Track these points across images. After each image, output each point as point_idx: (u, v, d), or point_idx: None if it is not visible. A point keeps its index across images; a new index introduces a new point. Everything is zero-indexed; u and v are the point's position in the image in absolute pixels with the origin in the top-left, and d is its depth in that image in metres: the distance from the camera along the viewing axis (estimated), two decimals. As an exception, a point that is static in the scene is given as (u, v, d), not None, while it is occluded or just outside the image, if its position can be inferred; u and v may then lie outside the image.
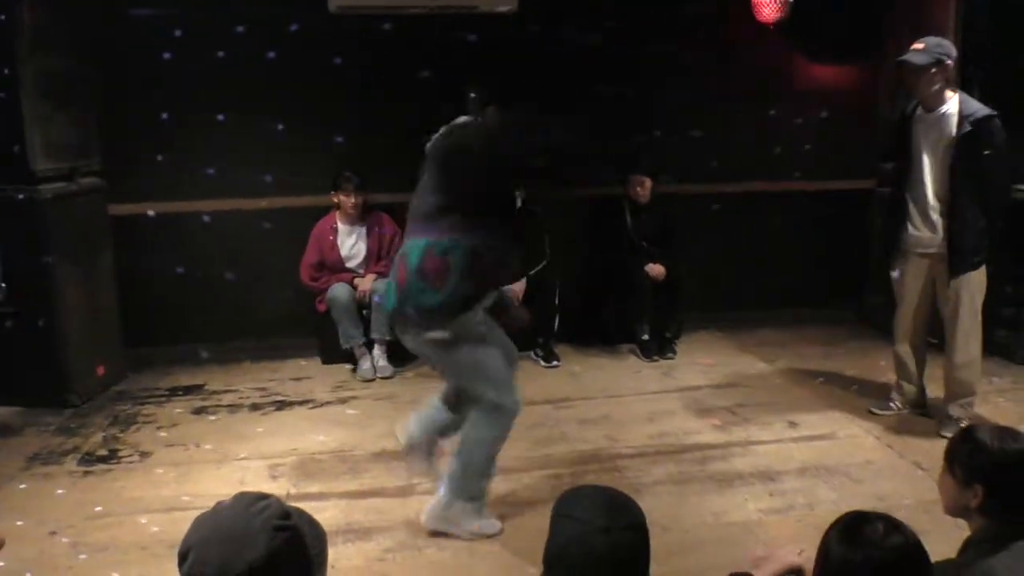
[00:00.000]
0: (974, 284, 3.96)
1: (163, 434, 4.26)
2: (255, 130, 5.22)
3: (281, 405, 4.64)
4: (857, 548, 1.58)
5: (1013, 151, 3.90)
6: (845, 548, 1.60)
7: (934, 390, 4.36)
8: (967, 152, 3.79)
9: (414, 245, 2.96)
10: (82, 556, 3.12)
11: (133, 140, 5.07)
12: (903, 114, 4.07)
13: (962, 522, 2.05)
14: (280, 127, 5.23)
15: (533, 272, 5.16)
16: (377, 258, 5.15)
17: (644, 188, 5.37)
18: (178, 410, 4.58)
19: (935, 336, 4.37)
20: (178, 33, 5.01)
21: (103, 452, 4.05)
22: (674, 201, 5.60)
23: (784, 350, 5.46)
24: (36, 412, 4.52)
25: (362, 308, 5.06)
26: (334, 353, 5.16)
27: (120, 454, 4.02)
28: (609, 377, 5.06)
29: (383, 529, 3.29)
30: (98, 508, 3.47)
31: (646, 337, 5.39)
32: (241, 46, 5.09)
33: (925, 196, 3.97)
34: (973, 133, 3.77)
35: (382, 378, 5.00)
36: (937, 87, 3.85)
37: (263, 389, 4.88)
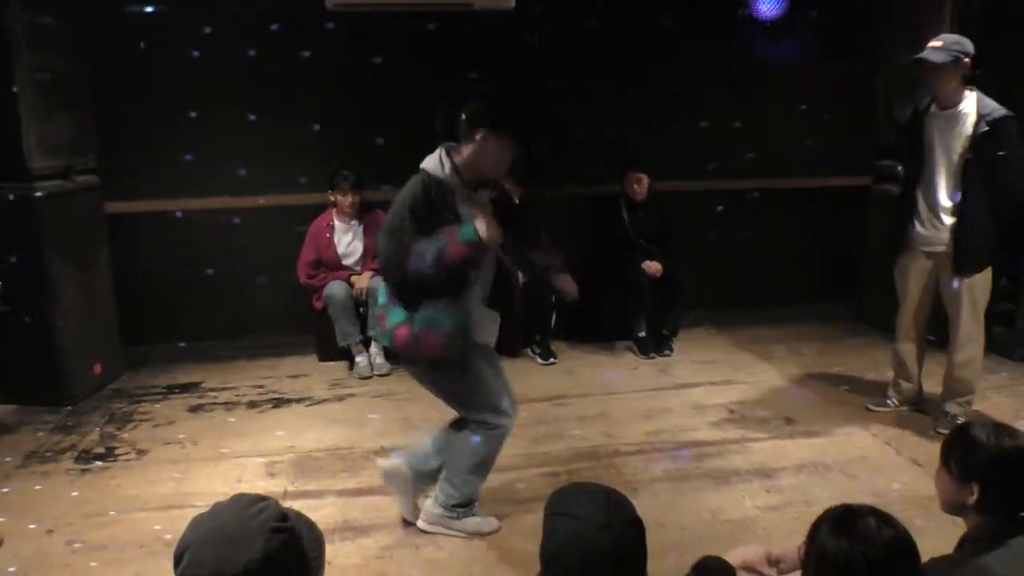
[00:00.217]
0: (979, 285, 3.95)
1: (160, 432, 4.25)
2: (251, 128, 5.22)
3: (278, 403, 4.64)
4: (853, 542, 1.58)
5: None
6: (840, 542, 1.60)
7: (931, 387, 4.37)
8: (982, 152, 3.76)
9: (395, 310, 2.96)
10: (79, 554, 3.12)
11: (129, 138, 5.07)
12: (916, 111, 4.03)
13: (958, 519, 2.06)
14: (277, 124, 5.23)
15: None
16: (374, 256, 5.14)
17: (641, 185, 5.37)
18: (175, 408, 4.58)
19: (933, 334, 4.38)
20: (174, 31, 5.02)
21: (100, 450, 4.04)
22: (671, 198, 5.60)
23: (781, 347, 5.47)
24: (33, 410, 4.51)
25: (359, 306, 5.06)
26: (331, 350, 5.16)
27: (117, 452, 4.02)
28: (606, 374, 5.06)
29: (381, 527, 3.29)
30: (95, 506, 3.47)
31: (643, 334, 5.40)
32: (238, 44, 5.09)
33: (936, 194, 3.94)
34: (990, 133, 3.73)
35: (379, 375, 5.01)
36: (954, 85, 3.81)
37: (260, 387, 4.88)
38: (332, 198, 5.12)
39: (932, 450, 3.81)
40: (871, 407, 4.40)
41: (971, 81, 3.86)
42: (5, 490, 3.65)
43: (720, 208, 5.93)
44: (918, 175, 4.01)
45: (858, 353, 5.33)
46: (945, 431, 3.97)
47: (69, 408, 4.55)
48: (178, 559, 1.28)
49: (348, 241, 5.16)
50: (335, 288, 4.98)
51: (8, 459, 3.94)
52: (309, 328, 5.32)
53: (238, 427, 4.31)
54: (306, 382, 4.96)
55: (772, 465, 3.78)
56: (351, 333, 5.04)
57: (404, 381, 4.93)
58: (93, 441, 4.15)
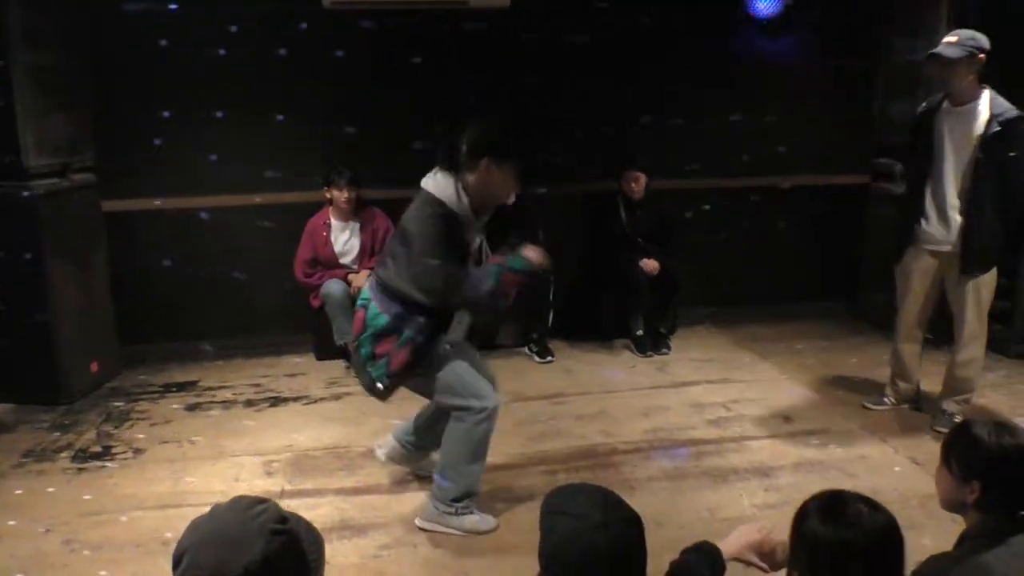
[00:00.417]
0: (984, 285, 3.94)
1: (157, 431, 4.25)
2: (248, 126, 5.21)
3: (275, 401, 4.63)
4: (846, 528, 1.59)
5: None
6: (834, 529, 1.59)
7: (929, 385, 4.37)
8: (992, 152, 3.74)
9: (364, 295, 3.16)
10: (76, 554, 3.12)
11: (126, 136, 5.06)
12: (928, 108, 3.99)
13: (957, 516, 2.05)
14: (274, 123, 5.22)
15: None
16: (371, 254, 5.13)
17: (639, 184, 5.36)
18: (172, 407, 4.57)
19: (930, 333, 4.38)
20: (171, 28, 5.01)
21: (97, 449, 4.04)
22: (670, 197, 5.59)
23: (779, 346, 5.47)
24: (29, 409, 4.50)
25: (356, 304, 5.05)
26: (328, 349, 5.15)
27: (114, 451, 4.01)
28: (604, 372, 5.06)
29: (378, 526, 3.29)
30: (92, 505, 3.47)
31: (641, 332, 5.40)
32: (235, 41, 5.08)
33: (944, 192, 3.91)
34: (1001, 134, 3.70)
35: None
36: (968, 81, 3.78)
37: (257, 385, 4.87)
38: (328, 195, 5.10)
39: (930, 448, 3.84)
40: (868, 405, 4.40)
41: (986, 79, 3.83)
42: (1, 489, 3.64)
43: (719, 207, 5.92)
44: (927, 172, 3.97)
45: (857, 352, 5.33)
46: (943, 429, 3.99)
47: (66, 407, 4.54)
48: (177, 561, 1.27)
49: (345, 239, 5.15)
50: (332, 286, 4.98)
51: (4, 458, 3.94)
52: (306, 327, 5.32)
53: (235, 426, 4.30)
54: (303, 381, 4.95)
55: (770, 464, 3.78)
56: (348, 332, 5.00)
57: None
58: (90, 440, 4.14)
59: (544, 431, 4.18)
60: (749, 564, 2.06)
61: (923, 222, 4.01)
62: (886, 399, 4.40)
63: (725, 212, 5.93)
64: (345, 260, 5.14)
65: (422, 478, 3.64)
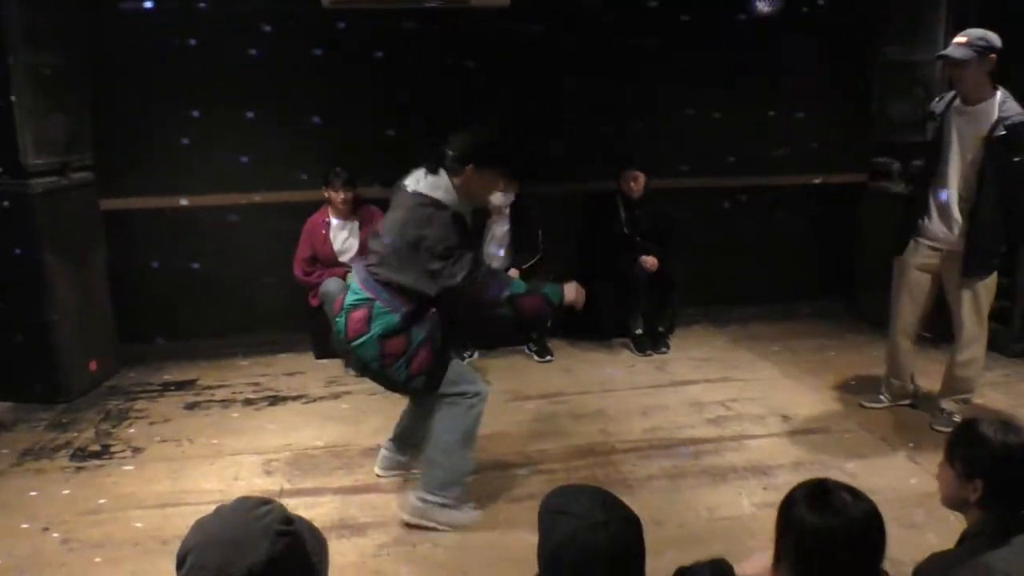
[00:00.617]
0: (984, 286, 3.93)
1: (156, 430, 4.24)
2: (247, 125, 5.21)
3: (274, 400, 4.63)
4: (832, 516, 1.61)
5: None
6: (820, 517, 1.62)
7: (927, 384, 4.38)
8: (996, 155, 3.71)
9: (355, 289, 3.15)
10: (75, 553, 3.11)
11: (125, 134, 5.05)
12: (940, 105, 3.96)
13: (956, 515, 2.05)
14: (273, 122, 5.22)
15: (527, 267, 5.15)
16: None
17: (638, 183, 5.36)
18: (171, 405, 4.57)
19: (930, 332, 4.38)
20: (171, 27, 5.00)
21: (95, 448, 4.03)
22: (668, 196, 5.59)
23: (778, 345, 5.48)
24: (27, 407, 4.50)
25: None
26: (327, 348, 5.12)
27: (112, 450, 4.01)
28: (603, 371, 5.06)
29: (377, 525, 3.29)
30: (91, 504, 3.46)
31: (640, 331, 5.40)
32: (233, 40, 5.08)
33: (948, 191, 3.90)
34: (1006, 137, 3.68)
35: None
36: (979, 81, 3.74)
37: (256, 384, 4.87)
38: (326, 195, 5.11)
39: (929, 448, 3.84)
40: (864, 403, 4.41)
41: (1000, 79, 3.81)
42: (0, 488, 3.64)
43: (718, 206, 5.92)
44: (933, 169, 3.95)
45: (855, 351, 5.33)
46: (942, 428, 4.00)
47: (64, 406, 4.54)
48: (181, 561, 1.27)
49: (344, 238, 5.15)
50: (331, 285, 4.96)
51: (3, 457, 3.93)
52: (305, 325, 5.31)
53: (234, 425, 4.30)
54: (302, 380, 4.95)
55: (769, 463, 3.78)
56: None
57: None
58: (89, 439, 4.14)
59: (543, 430, 4.18)
60: None
61: (925, 219, 4.00)
62: (881, 396, 4.40)
63: (724, 211, 5.93)
64: (344, 258, 5.13)
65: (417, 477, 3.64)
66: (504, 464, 3.80)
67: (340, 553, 3.06)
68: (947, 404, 4.12)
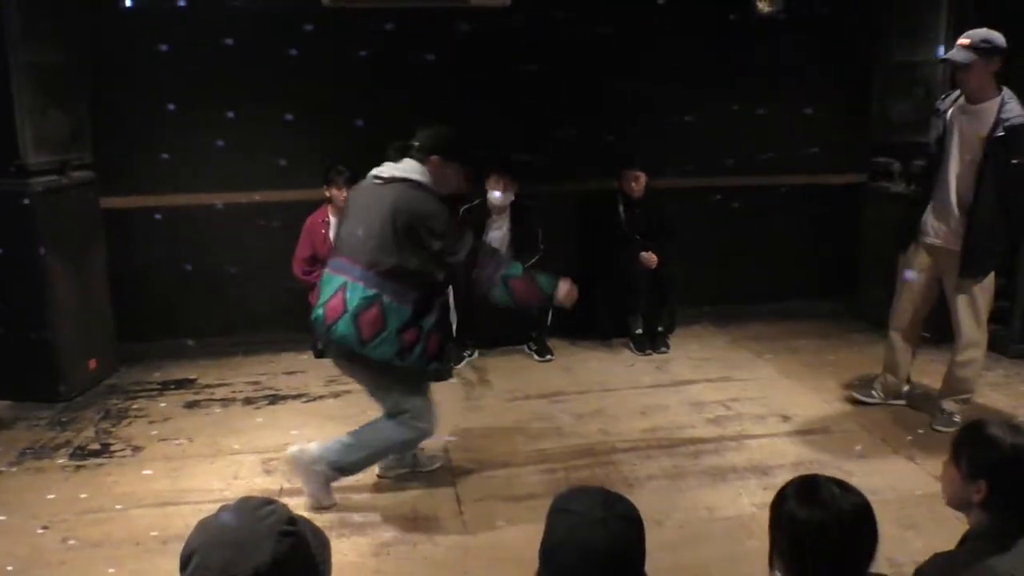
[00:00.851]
0: (981, 287, 3.93)
1: (155, 428, 4.24)
2: (247, 124, 5.21)
3: (274, 399, 4.63)
4: (822, 509, 1.62)
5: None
6: (810, 510, 1.63)
7: (928, 383, 4.37)
8: (994, 156, 3.71)
9: (358, 289, 3.13)
10: (74, 551, 3.11)
11: (125, 133, 5.05)
12: (945, 103, 3.96)
13: (956, 515, 2.05)
14: (273, 121, 5.21)
15: (526, 266, 5.14)
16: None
17: (638, 183, 5.36)
18: (171, 404, 4.57)
19: (930, 331, 4.38)
20: (171, 26, 5.00)
21: (95, 446, 4.03)
22: (668, 195, 5.59)
23: (776, 344, 5.48)
24: (27, 406, 4.50)
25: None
26: (328, 347, 5.14)
27: (112, 448, 4.01)
28: (603, 371, 5.06)
29: (377, 524, 3.28)
30: (90, 503, 3.46)
31: (639, 331, 5.40)
32: (233, 38, 5.07)
33: (947, 189, 3.91)
34: (1004, 139, 3.68)
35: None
36: (983, 82, 3.74)
37: (256, 383, 4.86)
38: (327, 193, 5.11)
39: (929, 448, 3.84)
40: (856, 396, 4.41)
41: (1000, 78, 3.81)
42: None
43: (717, 205, 5.92)
44: (935, 167, 3.96)
45: (855, 350, 5.33)
46: (942, 428, 4.01)
47: (64, 404, 4.54)
48: (185, 562, 1.26)
49: (344, 237, 5.14)
50: (331, 284, 4.96)
51: (2, 455, 3.93)
52: (305, 324, 5.29)
53: (234, 424, 4.30)
54: (302, 379, 4.95)
55: (769, 462, 3.78)
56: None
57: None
58: (88, 437, 4.14)
59: (543, 429, 4.18)
60: None
61: (925, 216, 4.01)
62: (874, 392, 4.40)
63: (723, 211, 5.92)
64: (344, 258, 5.13)
65: (421, 475, 3.64)
66: (504, 463, 3.80)
67: (340, 552, 3.06)
68: (947, 404, 4.12)
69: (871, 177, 5.74)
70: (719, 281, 5.97)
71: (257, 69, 5.14)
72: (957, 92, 3.91)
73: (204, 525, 1.30)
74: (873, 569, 1.69)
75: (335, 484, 3.48)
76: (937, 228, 3.98)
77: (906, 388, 4.38)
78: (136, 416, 4.41)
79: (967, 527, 1.99)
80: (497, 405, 4.54)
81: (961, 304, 3.96)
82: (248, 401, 4.60)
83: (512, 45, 5.38)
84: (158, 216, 5.23)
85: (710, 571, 2.94)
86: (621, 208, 5.44)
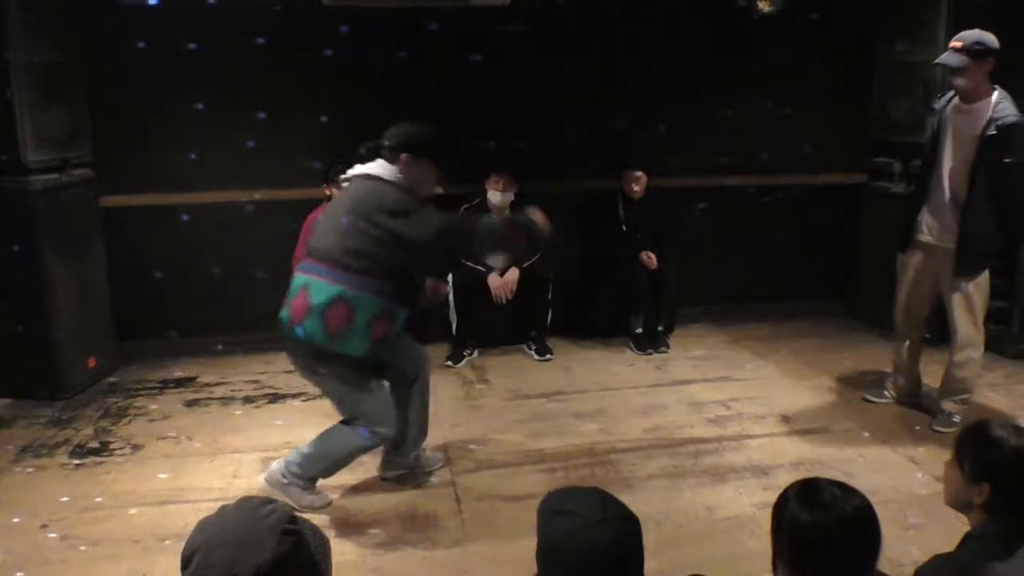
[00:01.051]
0: (973, 287, 3.94)
1: (155, 427, 4.24)
2: (247, 122, 5.20)
3: (274, 398, 4.62)
4: (825, 511, 1.61)
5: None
6: (813, 513, 1.62)
7: (930, 383, 4.37)
8: (987, 155, 3.73)
9: (321, 287, 3.11)
10: (74, 550, 3.11)
11: (125, 131, 5.04)
12: (941, 103, 3.98)
13: (956, 515, 2.05)
14: (273, 119, 5.21)
15: (527, 265, 5.15)
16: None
17: (639, 184, 5.36)
18: (170, 403, 4.56)
19: (931, 332, 4.39)
20: (171, 24, 4.99)
21: (94, 445, 4.03)
22: (668, 195, 5.59)
23: (776, 344, 5.48)
24: (26, 404, 4.49)
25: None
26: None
27: (112, 447, 4.00)
28: (602, 370, 5.06)
29: (377, 524, 3.28)
30: (90, 501, 3.46)
31: (639, 330, 5.40)
32: (232, 37, 5.07)
33: (942, 188, 3.93)
34: (996, 137, 3.70)
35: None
36: (978, 83, 3.76)
37: (256, 382, 4.86)
38: (328, 192, 5.09)
39: (929, 448, 3.85)
40: (869, 397, 4.44)
41: (1000, 79, 3.82)
42: (-1, 485, 3.64)
43: (717, 205, 5.92)
44: (931, 166, 3.98)
45: (855, 350, 5.33)
46: (942, 429, 4.01)
47: (63, 402, 4.53)
48: (187, 561, 1.26)
49: (344, 236, 5.13)
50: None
51: (2, 453, 3.93)
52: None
53: (234, 422, 4.30)
54: (302, 377, 4.94)
55: (769, 463, 3.78)
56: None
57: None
58: (87, 435, 4.14)
59: (542, 429, 4.17)
60: None
61: (920, 215, 4.03)
62: (885, 392, 4.42)
63: (723, 210, 5.92)
64: (344, 256, 5.13)
65: (421, 475, 3.64)
66: (504, 463, 3.80)
67: (339, 551, 3.03)
68: (947, 405, 4.12)
69: (871, 177, 5.74)
70: (719, 281, 5.96)
71: (258, 67, 5.13)
72: (952, 92, 3.93)
73: (204, 524, 1.30)
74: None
75: (335, 483, 3.49)
76: (931, 226, 4.00)
77: (917, 387, 4.39)
78: (136, 414, 4.41)
79: (967, 528, 1.99)
80: (497, 404, 4.54)
81: (956, 303, 3.97)
82: (248, 400, 4.60)
83: (513, 44, 5.37)
84: (158, 214, 5.22)
85: (710, 571, 2.94)
86: (621, 208, 5.44)
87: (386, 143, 3.27)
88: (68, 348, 4.60)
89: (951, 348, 4.08)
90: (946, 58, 3.77)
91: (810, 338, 5.60)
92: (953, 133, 3.88)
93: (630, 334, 5.42)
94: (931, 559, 1.93)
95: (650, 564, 1.65)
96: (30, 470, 3.77)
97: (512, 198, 5.15)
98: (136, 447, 4.00)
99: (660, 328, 5.47)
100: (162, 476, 3.69)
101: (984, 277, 3.96)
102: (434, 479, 3.65)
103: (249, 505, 1.31)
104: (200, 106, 5.14)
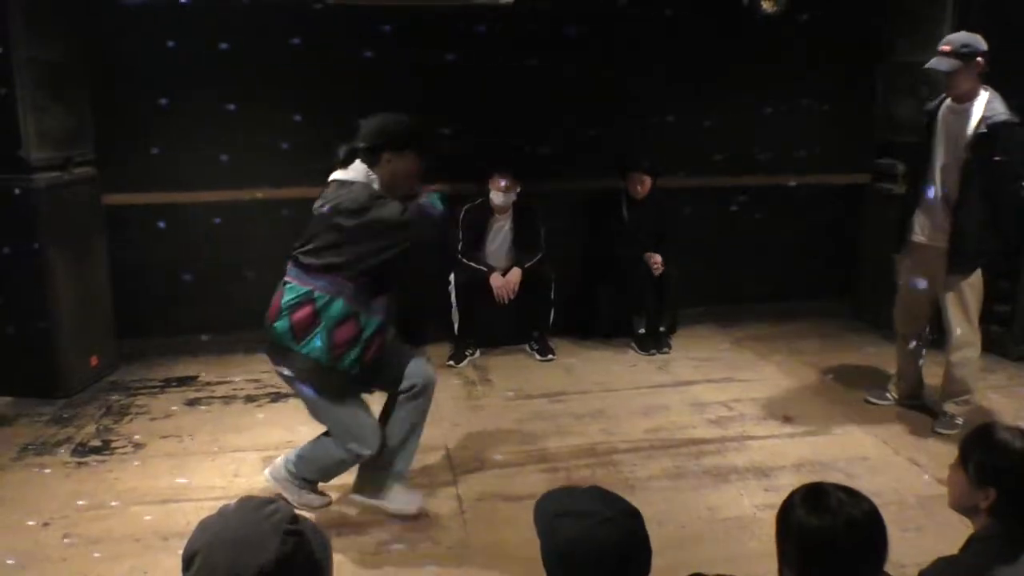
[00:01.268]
0: (968, 285, 3.95)
1: (157, 425, 4.24)
2: (250, 120, 5.20)
3: (276, 397, 4.62)
4: (832, 516, 1.61)
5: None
6: (820, 518, 1.61)
7: (935, 384, 4.37)
8: (978, 154, 3.75)
9: (293, 287, 3.06)
10: (75, 548, 3.11)
11: (127, 129, 5.04)
12: (934, 104, 4.01)
13: (959, 517, 2.04)
14: (276, 117, 5.21)
15: (529, 265, 5.15)
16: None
17: (644, 186, 5.35)
18: (172, 401, 4.56)
19: (934, 333, 4.38)
20: (173, 21, 4.99)
21: (96, 443, 4.03)
22: (671, 195, 5.58)
23: (779, 344, 5.47)
24: (28, 402, 4.49)
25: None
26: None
27: (113, 445, 4.00)
28: (604, 371, 5.05)
29: (377, 523, 3.28)
30: (91, 499, 3.46)
31: (642, 331, 5.39)
32: (235, 35, 5.07)
33: (935, 190, 3.95)
34: (987, 136, 3.72)
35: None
36: (969, 85, 3.79)
37: (257, 380, 4.85)
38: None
39: (931, 450, 3.84)
40: (870, 399, 4.43)
41: (989, 80, 3.83)
42: (0, 483, 3.63)
43: (720, 205, 5.92)
44: (925, 167, 4.00)
45: (857, 351, 5.33)
46: (944, 431, 4.01)
47: (65, 400, 4.53)
48: (188, 563, 1.26)
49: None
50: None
51: (4, 451, 3.93)
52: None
53: (235, 421, 4.30)
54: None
55: (770, 464, 3.77)
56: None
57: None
58: (89, 434, 4.14)
59: (544, 429, 4.17)
60: None
61: (914, 216, 4.05)
62: (887, 394, 4.42)
63: (726, 211, 5.92)
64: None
65: (420, 473, 3.64)
66: (505, 463, 3.80)
67: (340, 551, 3.06)
68: (949, 407, 4.12)
69: (875, 178, 5.73)
70: (722, 282, 5.96)
71: (261, 66, 5.13)
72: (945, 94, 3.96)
73: (206, 525, 1.30)
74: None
75: (336, 483, 3.48)
76: (924, 226, 4.02)
77: (919, 389, 4.39)
78: (137, 413, 4.41)
79: (970, 530, 1.98)
80: (498, 404, 4.54)
81: (950, 302, 3.98)
82: (250, 399, 4.60)
83: (516, 43, 5.37)
84: (160, 213, 5.22)
85: (710, 572, 2.93)
86: (624, 208, 5.43)
87: (363, 144, 3.10)
88: (70, 346, 4.60)
89: (947, 348, 4.08)
90: (935, 63, 3.80)
91: (812, 339, 5.59)
92: (946, 133, 3.91)
93: (632, 334, 5.42)
94: (934, 562, 1.93)
95: (652, 563, 1.65)
96: (32, 468, 3.77)
97: (515, 197, 5.15)
98: (138, 446, 4.00)
99: (662, 329, 5.47)
100: (163, 475, 3.69)
101: (977, 276, 3.98)
102: (436, 479, 3.64)
103: (251, 505, 1.30)
104: (202, 104, 5.13)
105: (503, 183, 5.07)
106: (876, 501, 1.68)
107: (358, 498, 3.31)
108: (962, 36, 3.80)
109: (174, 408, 4.47)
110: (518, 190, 5.14)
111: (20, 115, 4.22)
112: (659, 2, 5.52)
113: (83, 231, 4.79)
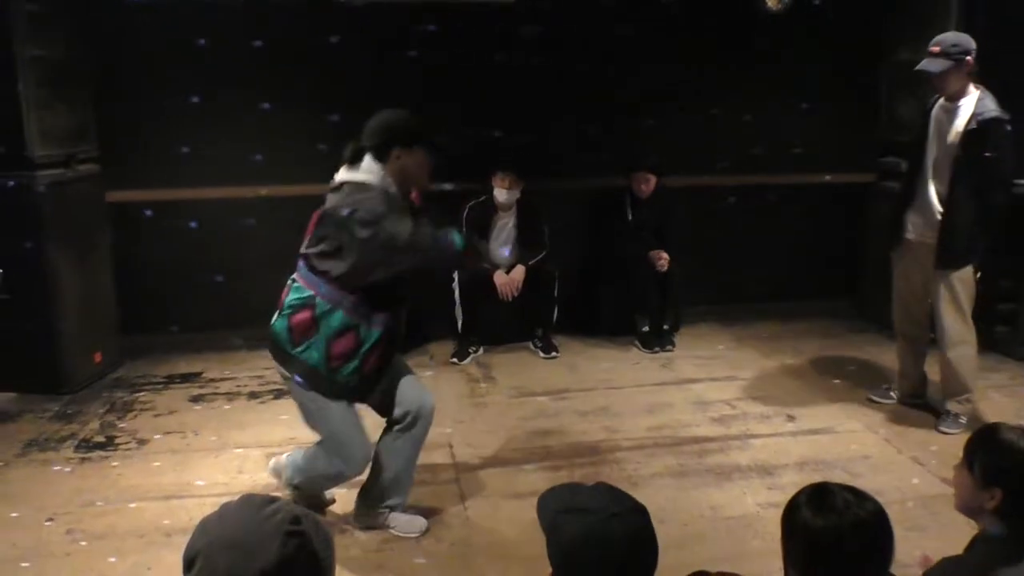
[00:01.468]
0: (957, 281, 3.95)
1: (161, 422, 4.25)
2: (254, 117, 5.20)
3: (279, 394, 4.61)
4: (839, 516, 1.60)
5: (1014, 148, 3.87)
6: (826, 519, 1.60)
7: (935, 382, 4.36)
8: (969, 150, 3.77)
9: (299, 287, 3.02)
10: (79, 543, 3.12)
11: (131, 126, 5.05)
12: (927, 105, 4.04)
13: (961, 518, 2.03)
14: (280, 115, 5.21)
15: (532, 263, 5.15)
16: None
17: (648, 185, 5.35)
18: (176, 398, 4.57)
19: (933, 332, 4.38)
20: (175, 19, 5.00)
21: (100, 439, 4.04)
22: (674, 193, 5.58)
23: (782, 343, 5.47)
24: (32, 398, 4.50)
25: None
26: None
27: (117, 441, 4.01)
28: (608, 369, 5.05)
29: (381, 519, 3.28)
30: (95, 495, 3.47)
31: (646, 329, 5.39)
32: (238, 32, 5.08)
33: (926, 185, 3.98)
34: (977, 132, 3.75)
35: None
36: (960, 84, 3.82)
37: (261, 377, 4.86)
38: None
39: (933, 449, 3.84)
40: (873, 398, 4.43)
41: (980, 79, 3.84)
42: (4, 479, 3.65)
43: (723, 204, 5.91)
44: (917, 164, 4.03)
45: (860, 350, 5.32)
46: (947, 430, 4.00)
47: (69, 397, 4.54)
48: (188, 565, 1.24)
49: (350, 232, 5.13)
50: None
51: (8, 447, 3.94)
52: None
53: (239, 418, 4.30)
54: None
55: (773, 462, 3.77)
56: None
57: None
58: (93, 430, 4.15)
59: (547, 427, 4.17)
60: None
61: (909, 215, 4.06)
62: (890, 392, 4.41)
63: (729, 209, 5.92)
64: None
65: (423, 470, 3.64)
66: (508, 460, 3.80)
67: (342, 548, 3.06)
68: (951, 406, 4.11)
69: (879, 177, 5.72)
70: (725, 280, 5.96)
71: (264, 62, 5.13)
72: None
73: (206, 525, 1.28)
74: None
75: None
76: (916, 223, 4.04)
77: (921, 388, 4.38)
78: (141, 409, 4.42)
79: (974, 530, 1.97)
80: (502, 402, 4.54)
81: (942, 299, 3.99)
82: (253, 395, 4.61)
83: (520, 42, 5.37)
84: (163, 209, 5.23)
85: (714, 570, 2.93)
86: (629, 207, 5.43)
87: (370, 143, 2.99)
88: (74, 343, 4.61)
89: (941, 346, 4.08)
90: (926, 64, 3.83)
91: (815, 338, 5.59)
92: (938, 131, 3.94)
93: (636, 333, 5.42)
94: (939, 562, 1.92)
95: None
96: (36, 464, 3.78)
97: (518, 195, 5.15)
98: (141, 442, 4.01)
99: (666, 327, 5.46)
100: (167, 471, 3.70)
101: (968, 272, 3.98)
102: (438, 476, 3.65)
103: (252, 504, 1.28)
104: (207, 102, 5.14)
105: (506, 181, 5.07)
106: (879, 500, 1.68)
107: (359, 528, 3.23)
108: (951, 36, 3.85)
109: (178, 404, 4.48)
110: (521, 188, 5.14)
111: (23, 112, 4.23)
112: (669, 2, 5.51)
113: (86, 228, 4.80)
